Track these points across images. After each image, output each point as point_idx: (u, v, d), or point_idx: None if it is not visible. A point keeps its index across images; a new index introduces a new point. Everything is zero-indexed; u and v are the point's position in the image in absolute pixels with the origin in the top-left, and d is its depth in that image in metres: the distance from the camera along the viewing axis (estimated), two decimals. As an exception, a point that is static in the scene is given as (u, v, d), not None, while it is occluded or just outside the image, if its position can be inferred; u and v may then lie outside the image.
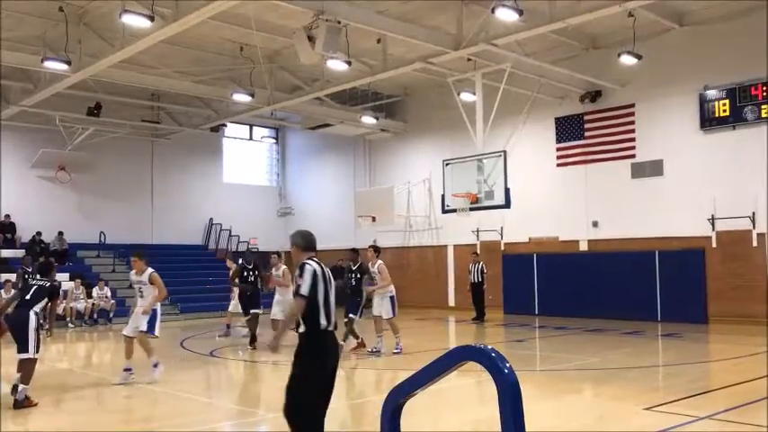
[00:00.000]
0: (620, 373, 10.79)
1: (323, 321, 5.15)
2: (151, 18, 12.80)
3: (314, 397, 5.04)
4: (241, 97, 19.22)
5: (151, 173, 25.87)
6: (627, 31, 16.18)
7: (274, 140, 30.04)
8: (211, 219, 26.95)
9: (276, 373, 12.24)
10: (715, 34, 17.11)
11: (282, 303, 13.39)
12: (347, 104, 22.90)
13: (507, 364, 2.50)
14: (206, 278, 23.79)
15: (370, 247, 13.42)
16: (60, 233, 22.80)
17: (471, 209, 21.10)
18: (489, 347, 2.63)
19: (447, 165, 20.00)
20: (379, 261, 12.98)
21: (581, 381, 10.38)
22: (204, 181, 27.29)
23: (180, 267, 24.38)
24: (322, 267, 5.33)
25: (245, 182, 28.76)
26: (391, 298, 13.00)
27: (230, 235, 26.95)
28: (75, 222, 23.49)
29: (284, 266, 14.36)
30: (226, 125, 25.72)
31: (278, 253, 15.41)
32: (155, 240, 24.85)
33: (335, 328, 5.26)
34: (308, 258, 5.36)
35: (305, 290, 5.11)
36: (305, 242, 5.53)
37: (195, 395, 9.86)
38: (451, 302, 22.42)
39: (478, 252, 20.77)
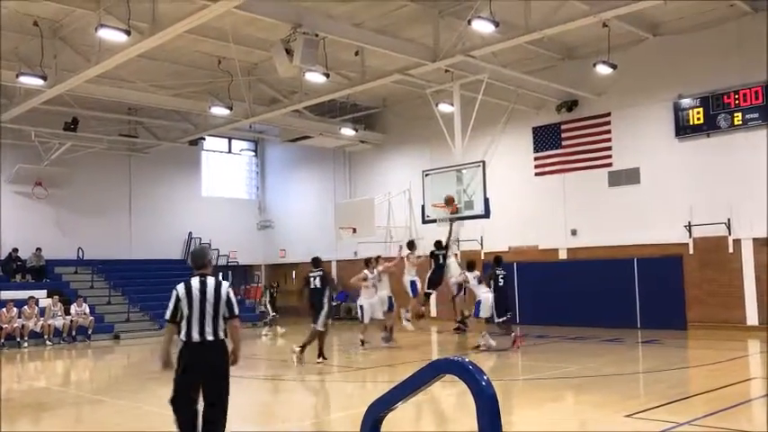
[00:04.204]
0: (600, 381, 10.85)
1: (183, 335, 5.83)
2: (127, 32, 12.75)
3: (177, 397, 5.85)
4: (219, 110, 19.16)
5: (129, 187, 25.66)
6: (602, 42, 16.33)
7: (253, 153, 29.96)
8: (190, 233, 26.75)
9: (261, 387, 12.18)
10: (688, 44, 17.37)
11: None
12: (326, 116, 22.91)
13: (485, 377, 2.51)
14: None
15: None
16: (38, 249, 22.53)
17: (451, 219, 21.20)
18: (467, 360, 2.64)
19: (426, 175, 20.05)
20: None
21: (562, 389, 10.43)
22: (183, 195, 27.12)
23: (161, 282, 24.14)
24: (198, 284, 5.92)
25: (225, 195, 28.64)
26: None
27: (210, 249, 26.75)
28: (52, 238, 23.23)
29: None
30: (204, 138, 25.61)
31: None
32: (134, 255, 24.65)
33: (211, 338, 5.82)
34: (196, 276, 6.00)
35: (166, 314, 5.98)
36: (193, 262, 6.22)
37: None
38: (433, 313, 22.38)
39: (459, 262, 20.79)
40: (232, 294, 5.97)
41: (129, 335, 20.48)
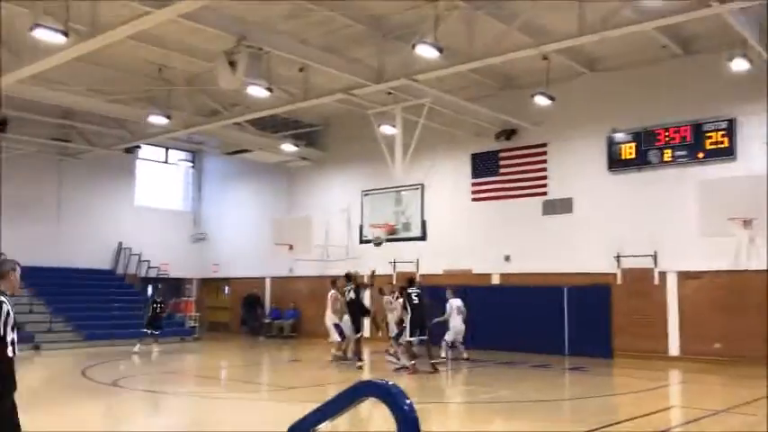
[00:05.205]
0: (529, 407, 10.98)
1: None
2: (65, 34, 12.37)
3: None
4: (157, 119, 18.77)
5: (58, 193, 24.77)
6: (541, 74, 16.77)
7: (191, 164, 29.45)
8: (121, 243, 26.02)
9: (177, 404, 11.86)
10: (623, 80, 17.97)
11: None
12: (267, 131, 22.70)
13: (407, 401, 2.48)
14: (114, 303, 22.87)
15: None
16: (-45, 253, 21.49)
17: (388, 240, 21.25)
18: (390, 383, 2.61)
19: (366, 195, 20.14)
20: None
21: (491, 413, 10.51)
22: (115, 203, 26.36)
23: (87, 292, 23.42)
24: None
25: (159, 205, 27.98)
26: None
27: (140, 260, 26.12)
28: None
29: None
30: (140, 147, 25.02)
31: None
32: (60, 263, 23.74)
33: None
34: None
35: None
36: None
37: (88, 428, 9.39)
38: (366, 333, 22.31)
39: (394, 283, 20.81)
40: None
41: (50, 345, 19.71)
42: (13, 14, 14.30)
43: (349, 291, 15.83)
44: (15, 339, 5.50)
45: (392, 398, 2.52)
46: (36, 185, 24.07)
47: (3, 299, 5.42)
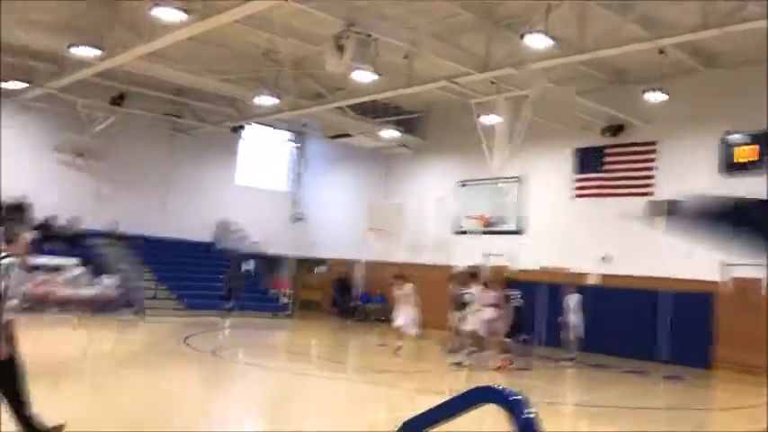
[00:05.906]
0: (617, 413, 10.63)
1: None
2: (185, 11, 12.82)
3: None
4: (265, 100, 19.25)
5: (168, 166, 25.91)
6: (653, 68, 16.07)
7: (294, 145, 30.08)
8: (224, 218, 26.97)
9: (274, 377, 12.20)
10: (745, 77, 16.92)
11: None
12: (368, 116, 22.86)
13: (530, 410, 2.42)
14: (214, 275, 23.69)
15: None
16: (74, 218, 22.86)
17: (484, 232, 21.02)
18: (513, 390, 2.56)
19: (463, 186, 19.93)
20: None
21: (577, 418, 10.25)
22: (220, 179, 27.31)
23: (190, 263, 24.40)
24: None
25: (261, 184, 28.78)
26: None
27: (242, 235, 26.97)
28: (89, 209, 23.52)
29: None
30: (243, 127, 25.75)
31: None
32: (167, 233, 24.82)
33: None
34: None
35: None
36: None
37: (185, 394, 9.79)
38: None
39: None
40: None
41: (154, 312, 20.68)
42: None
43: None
44: (19, 304, 5.51)
45: (512, 406, 2.46)
46: (148, 158, 25.26)
47: (7, 262, 5.40)
